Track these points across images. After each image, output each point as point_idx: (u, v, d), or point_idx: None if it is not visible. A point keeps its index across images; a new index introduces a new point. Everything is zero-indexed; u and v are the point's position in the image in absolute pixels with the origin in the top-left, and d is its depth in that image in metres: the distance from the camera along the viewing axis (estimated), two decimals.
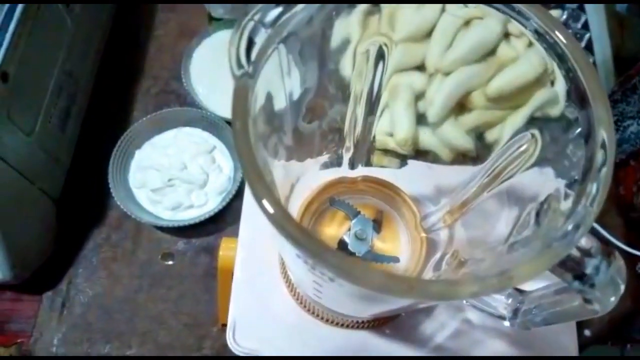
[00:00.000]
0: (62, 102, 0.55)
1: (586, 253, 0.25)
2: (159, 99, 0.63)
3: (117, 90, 0.64)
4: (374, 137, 0.43)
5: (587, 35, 0.65)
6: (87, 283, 0.56)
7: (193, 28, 0.66)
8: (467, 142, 0.45)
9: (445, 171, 0.42)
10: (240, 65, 0.23)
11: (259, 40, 0.24)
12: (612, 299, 0.25)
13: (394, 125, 0.48)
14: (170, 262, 0.57)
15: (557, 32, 0.25)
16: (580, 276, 0.24)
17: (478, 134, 0.43)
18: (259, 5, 0.24)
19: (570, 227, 0.22)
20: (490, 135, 0.39)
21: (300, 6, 0.25)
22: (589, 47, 0.65)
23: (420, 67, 0.48)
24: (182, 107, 0.61)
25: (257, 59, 0.24)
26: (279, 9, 0.25)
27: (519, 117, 0.34)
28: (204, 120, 0.58)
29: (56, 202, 0.55)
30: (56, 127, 0.54)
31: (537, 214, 0.26)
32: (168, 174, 0.55)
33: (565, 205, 0.24)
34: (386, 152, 0.47)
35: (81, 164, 0.59)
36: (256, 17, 0.24)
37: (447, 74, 0.46)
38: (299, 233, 0.21)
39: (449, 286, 0.20)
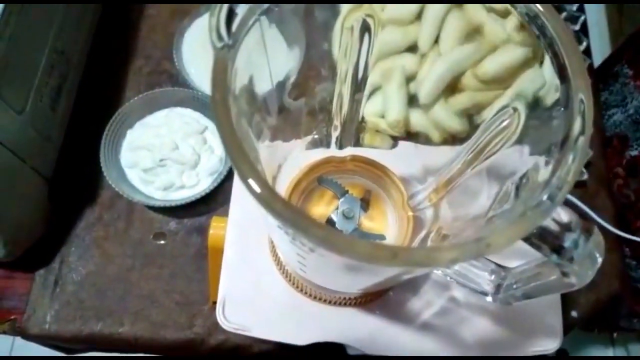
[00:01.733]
0: (54, 80, 0.55)
1: (565, 227, 0.25)
2: (151, 79, 0.63)
3: (109, 69, 0.64)
4: (363, 116, 0.43)
5: (582, 18, 0.64)
6: (80, 262, 0.56)
7: (185, 8, 0.65)
8: (457, 123, 0.45)
9: (432, 151, 0.42)
10: (220, 38, 0.23)
11: (240, 11, 0.24)
12: (590, 272, 0.26)
13: (385, 107, 0.49)
14: (162, 242, 0.57)
15: (538, 5, 0.25)
16: (559, 249, 0.25)
17: (468, 116, 0.43)
18: None
19: (546, 196, 0.22)
20: (480, 118, 0.39)
21: None
22: (584, 30, 0.65)
23: (412, 48, 0.48)
24: (174, 87, 0.61)
25: (238, 31, 0.24)
26: None
27: (507, 97, 0.34)
28: (195, 101, 0.58)
29: (48, 181, 0.55)
30: (47, 106, 0.54)
31: (517, 188, 0.26)
32: (160, 154, 0.55)
33: (543, 176, 0.24)
34: (378, 132, 0.48)
35: (73, 143, 0.59)
36: None
37: (439, 55, 0.46)
38: (282, 207, 0.21)
39: (430, 252, 0.21)
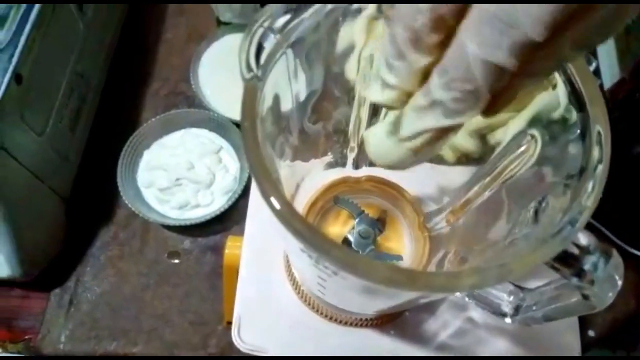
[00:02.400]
0: (73, 102, 0.56)
1: (584, 250, 0.25)
2: (168, 101, 0.64)
3: (127, 91, 0.65)
4: None
5: (594, 64, 0.65)
6: (95, 281, 0.57)
7: (202, 32, 0.67)
8: (471, 143, 0.45)
9: (448, 171, 0.43)
10: (249, 69, 0.24)
11: (268, 45, 0.25)
12: (610, 294, 0.26)
13: None
14: (177, 261, 0.58)
15: None
16: (578, 272, 0.25)
17: (481, 136, 0.44)
18: (268, 12, 0.25)
19: (566, 222, 0.22)
20: (493, 138, 0.39)
21: (308, 12, 0.26)
22: (596, 73, 0.65)
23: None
24: (190, 108, 0.62)
25: (266, 63, 0.25)
26: (288, 16, 0.26)
27: (521, 119, 0.35)
28: (211, 122, 0.59)
29: (65, 201, 0.56)
30: (67, 127, 0.55)
31: (536, 212, 0.27)
32: (175, 173, 0.56)
33: (563, 202, 0.25)
34: None
35: (91, 164, 0.60)
36: (265, 24, 0.25)
37: None
38: (304, 228, 0.21)
39: (450, 278, 0.21)
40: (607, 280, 0.26)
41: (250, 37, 0.25)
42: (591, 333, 0.54)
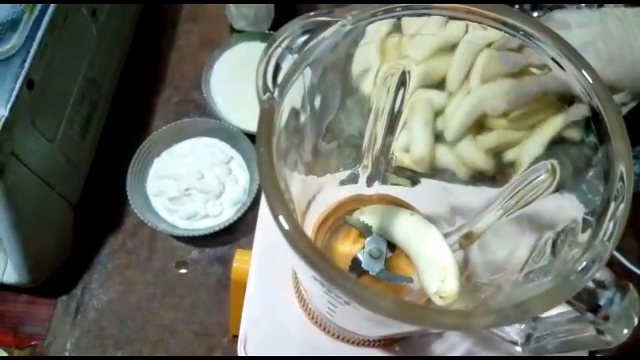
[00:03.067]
0: (84, 109, 0.56)
1: (600, 285, 0.25)
2: (179, 109, 0.64)
3: (138, 98, 0.65)
4: (392, 155, 0.43)
5: None
6: (102, 289, 0.56)
7: (215, 39, 0.67)
8: (484, 161, 0.45)
9: (461, 193, 0.42)
10: (266, 88, 0.23)
11: (285, 65, 0.25)
12: (625, 331, 0.25)
13: (411, 142, 0.49)
14: (184, 271, 0.57)
15: (583, 71, 0.25)
16: (594, 308, 0.25)
17: (495, 154, 0.43)
18: (286, 32, 0.25)
19: (586, 261, 0.22)
20: (507, 156, 0.39)
21: (327, 32, 0.26)
22: None
23: (440, 85, 0.48)
24: (201, 117, 0.62)
25: (283, 84, 0.25)
26: (306, 36, 0.25)
27: (538, 138, 0.34)
28: (222, 131, 0.59)
29: (74, 208, 0.56)
30: (77, 134, 0.55)
31: (554, 244, 0.26)
32: (185, 183, 0.56)
33: (582, 238, 0.24)
34: (401, 169, 0.47)
35: (100, 171, 0.60)
36: (283, 44, 0.25)
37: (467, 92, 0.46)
38: (313, 254, 0.21)
39: (462, 318, 0.21)
40: (622, 316, 0.25)
41: (268, 57, 0.25)
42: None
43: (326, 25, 0.25)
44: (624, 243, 0.58)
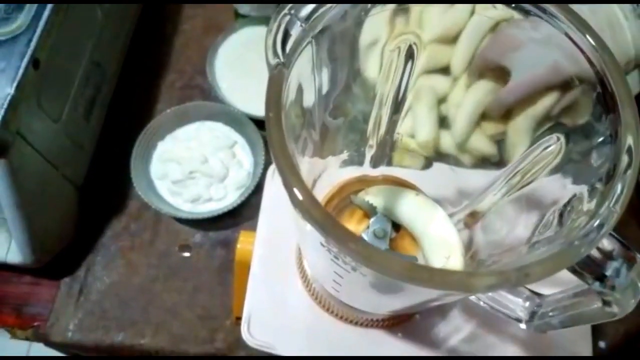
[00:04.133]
0: (89, 91, 0.56)
1: (607, 255, 0.25)
2: (183, 93, 0.64)
3: (143, 82, 0.65)
4: (398, 136, 0.43)
5: None
6: (105, 271, 0.56)
7: (219, 24, 0.67)
8: (489, 147, 0.45)
9: (466, 174, 0.42)
10: (275, 54, 0.23)
11: (294, 32, 0.25)
12: (632, 301, 0.25)
13: (415, 127, 0.49)
14: (187, 254, 0.57)
15: (587, 36, 0.25)
16: (601, 277, 0.25)
17: (499, 141, 0.43)
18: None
19: (593, 226, 0.22)
20: (511, 140, 0.39)
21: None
22: None
23: (445, 70, 0.48)
24: (205, 101, 0.62)
25: (292, 52, 0.25)
26: (313, 5, 0.25)
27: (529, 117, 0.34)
28: (226, 115, 0.59)
29: (79, 189, 0.56)
30: (82, 116, 0.55)
31: (561, 215, 0.26)
32: (189, 166, 0.56)
33: (589, 206, 0.24)
34: (407, 151, 0.48)
35: (104, 153, 0.60)
36: (292, 11, 0.25)
37: (468, 85, 0.46)
38: (327, 219, 0.21)
39: (467, 277, 0.21)
40: (629, 286, 0.25)
41: (278, 23, 0.25)
42: (602, 344, 0.53)
43: None
44: (627, 232, 0.58)
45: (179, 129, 0.59)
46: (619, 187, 0.22)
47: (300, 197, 0.22)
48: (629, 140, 0.23)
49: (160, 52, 0.66)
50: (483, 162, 0.45)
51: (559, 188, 0.29)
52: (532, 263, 0.21)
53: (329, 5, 0.25)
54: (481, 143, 0.44)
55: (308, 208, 0.21)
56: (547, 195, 0.31)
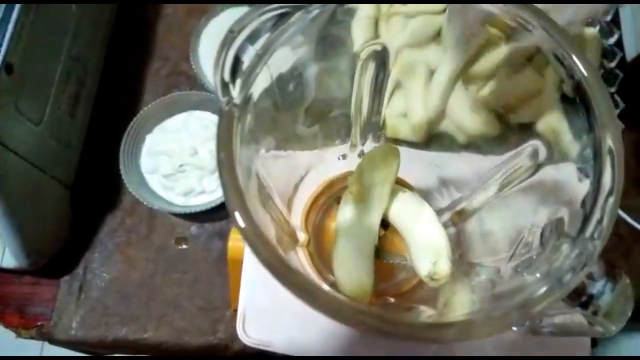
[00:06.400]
0: (71, 87, 0.54)
1: (589, 277, 0.24)
2: (169, 81, 0.62)
3: (127, 72, 0.63)
4: (383, 123, 0.41)
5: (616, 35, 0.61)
6: (103, 267, 0.56)
7: (202, 6, 0.64)
8: (478, 121, 0.43)
9: (453, 170, 0.40)
10: (225, 92, 0.22)
11: (247, 58, 0.23)
12: (619, 324, 0.24)
13: (408, 107, 0.46)
14: (184, 247, 0.57)
15: (573, 57, 0.23)
16: (584, 304, 0.23)
17: (499, 115, 0.41)
18: (245, 20, 0.23)
19: (576, 261, 0.21)
20: (515, 118, 0.37)
21: (291, 20, 0.24)
22: (619, 45, 0.61)
23: (437, 38, 0.45)
24: (192, 89, 0.60)
25: (246, 79, 0.23)
26: (269, 24, 0.23)
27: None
28: (213, 104, 0.57)
29: (69, 188, 0.55)
30: (65, 113, 0.54)
31: (542, 235, 0.25)
32: (179, 159, 0.55)
33: (570, 230, 0.23)
34: (396, 141, 0.46)
35: (93, 149, 0.59)
36: (243, 34, 0.23)
37: None
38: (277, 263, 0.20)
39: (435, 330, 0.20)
40: (613, 308, 0.24)
41: (226, 51, 0.23)
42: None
43: (288, 14, 0.23)
44: (629, 201, 0.56)
45: (167, 120, 0.58)
46: (599, 215, 0.21)
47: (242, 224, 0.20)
48: (611, 161, 0.22)
49: (142, 39, 0.64)
50: (477, 143, 0.43)
51: (551, 191, 0.28)
52: (514, 308, 0.20)
53: (284, 26, 0.23)
54: (465, 114, 0.42)
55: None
56: (538, 196, 0.29)
